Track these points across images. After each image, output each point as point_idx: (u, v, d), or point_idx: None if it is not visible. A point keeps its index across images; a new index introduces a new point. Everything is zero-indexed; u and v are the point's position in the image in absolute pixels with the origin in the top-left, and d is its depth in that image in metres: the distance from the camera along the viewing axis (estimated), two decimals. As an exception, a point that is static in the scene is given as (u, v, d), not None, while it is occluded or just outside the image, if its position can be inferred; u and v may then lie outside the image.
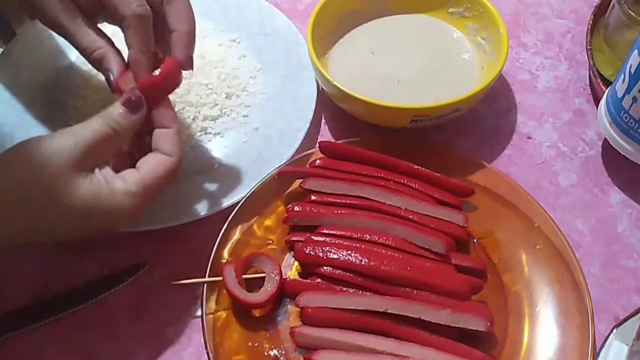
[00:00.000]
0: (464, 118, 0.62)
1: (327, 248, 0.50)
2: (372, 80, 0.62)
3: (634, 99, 0.52)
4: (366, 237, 0.51)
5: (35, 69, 0.65)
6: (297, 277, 0.52)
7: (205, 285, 0.49)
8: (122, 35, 0.48)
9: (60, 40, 0.49)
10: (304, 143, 0.59)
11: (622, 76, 0.54)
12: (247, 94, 0.64)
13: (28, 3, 0.48)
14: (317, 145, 0.57)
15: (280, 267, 0.51)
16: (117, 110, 0.45)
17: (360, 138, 0.58)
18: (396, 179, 0.55)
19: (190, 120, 0.60)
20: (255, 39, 0.68)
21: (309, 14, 0.61)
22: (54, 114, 0.61)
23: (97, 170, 0.45)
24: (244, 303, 0.49)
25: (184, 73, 0.60)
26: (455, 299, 0.49)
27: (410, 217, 0.53)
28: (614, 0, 0.60)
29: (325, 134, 0.64)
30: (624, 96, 0.54)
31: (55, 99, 0.62)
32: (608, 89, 0.58)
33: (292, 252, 0.53)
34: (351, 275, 0.49)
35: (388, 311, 0.47)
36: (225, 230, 0.52)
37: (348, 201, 0.54)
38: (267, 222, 0.55)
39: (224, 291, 0.50)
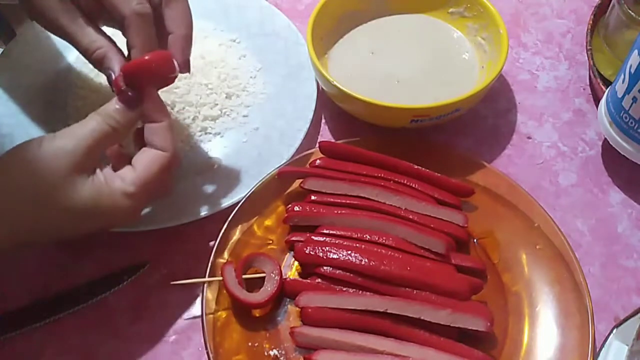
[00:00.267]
0: (464, 118, 0.62)
1: (327, 248, 0.50)
2: (372, 80, 0.62)
3: (634, 99, 0.52)
4: (366, 237, 0.51)
5: (34, 69, 0.65)
6: (297, 277, 0.52)
7: (205, 285, 0.49)
8: (122, 37, 0.48)
9: (60, 40, 0.49)
10: (304, 143, 0.59)
11: (622, 76, 0.54)
12: (247, 94, 0.64)
13: (28, 4, 0.47)
14: (317, 145, 0.57)
15: (280, 267, 0.51)
16: (113, 106, 0.45)
17: (360, 138, 0.58)
18: (396, 179, 0.55)
19: (190, 120, 0.60)
20: (255, 39, 0.68)
21: (309, 14, 0.61)
22: (54, 115, 0.61)
23: (97, 171, 0.45)
24: (244, 303, 0.49)
25: (183, 74, 0.61)
26: (455, 299, 0.49)
27: (410, 217, 0.53)
28: (614, 0, 0.60)
29: (325, 134, 0.64)
30: (624, 96, 0.54)
31: (55, 100, 0.62)
32: (608, 89, 0.58)
33: (292, 252, 0.53)
34: (351, 275, 0.49)
35: (388, 311, 0.47)
36: (225, 230, 0.52)
37: (348, 201, 0.54)
38: (267, 222, 0.55)
39: (224, 291, 0.50)
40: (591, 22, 0.65)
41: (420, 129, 0.61)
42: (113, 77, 0.47)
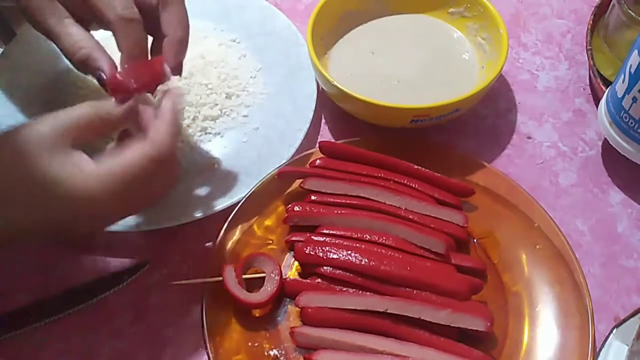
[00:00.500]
0: (464, 118, 0.62)
1: (327, 248, 0.50)
2: (372, 80, 0.62)
3: (634, 99, 0.52)
4: (366, 237, 0.51)
5: (34, 69, 0.65)
6: (297, 277, 0.52)
7: (205, 285, 0.49)
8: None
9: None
10: (304, 143, 0.59)
11: (622, 76, 0.54)
12: (247, 94, 0.64)
13: (21, 4, 0.47)
14: (317, 145, 0.57)
15: (280, 267, 0.51)
16: (106, 102, 0.44)
17: (360, 138, 0.58)
18: (396, 179, 0.55)
19: (190, 120, 0.60)
20: (255, 39, 0.68)
21: (309, 14, 0.62)
22: (54, 114, 0.61)
23: (77, 153, 0.42)
24: (244, 303, 0.49)
25: (183, 73, 0.61)
26: (455, 299, 0.49)
27: (410, 217, 0.53)
28: (614, 0, 0.60)
29: (325, 134, 0.64)
30: (624, 96, 0.54)
31: (55, 100, 0.62)
32: (608, 89, 0.58)
33: (292, 252, 0.53)
34: (351, 275, 0.49)
35: (388, 311, 0.47)
36: (225, 230, 0.52)
37: (348, 201, 0.54)
38: (267, 222, 0.55)
39: (224, 291, 0.49)
40: (591, 22, 0.65)
41: (420, 129, 0.61)
42: (104, 76, 0.46)
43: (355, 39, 0.66)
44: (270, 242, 0.54)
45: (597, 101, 0.65)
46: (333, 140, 0.60)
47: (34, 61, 0.65)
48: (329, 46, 0.65)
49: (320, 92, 0.63)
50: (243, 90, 0.64)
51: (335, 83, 0.57)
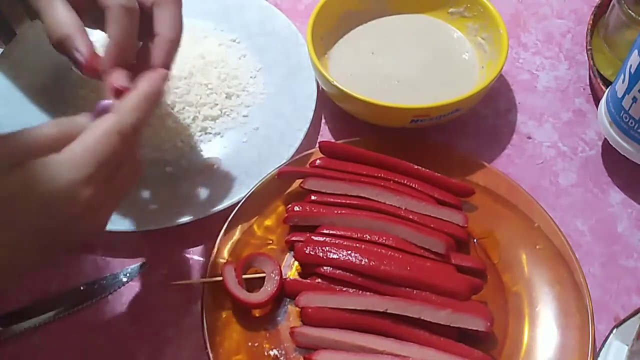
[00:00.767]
0: (464, 118, 0.62)
1: (327, 248, 0.50)
2: (372, 80, 0.62)
3: (634, 99, 0.52)
4: (366, 237, 0.51)
5: (35, 69, 0.65)
6: (297, 277, 0.52)
7: (205, 285, 0.49)
8: None
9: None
10: (304, 143, 0.59)
11: (622, 76, 0.54)
12: (247, 94, 0.64)
13: None
14: (317, 145, 0.57)
15: (280, 267, 0.51)
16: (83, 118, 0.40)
17: (360, 138, 0.58)
18: (396, 179, 0.55)
19: (190, 120, 0.60)
20: (255, 39, 0.68)
21: (309, 14, 0.61)
22: (54, 115, 0.61)
23: (29, 161, 0.37)
24: (244, 303, 0.49)
25: (183, 73, 0.61)
26: (455, 299, 0.49)
27: (410, 217, 0.53)
28: (614, 0, 0.60)
29: (325, 134, 0.64)
30: (624, 96, 0.54)
31: (55, 100, 0.62)
32: (608, 89, 0.58)
33: (292, 252, 0.53)
34: (351, 275, 0.49)
35: (388, 311, 0.47)
36: (225, 230, 0.52)
37: (348, 201, 0.54)
38: (267, 222, 0.55)
39: (224, 291, 0.50)
40: (591, 22, 0.65)
41: (420, 129, 0.61)
42: (80, 58, 0.43)
43: (355, 39, 0.66)
44: (270, 242, 0.54)
45: (597, 101, 0.65)
46: (333, 140, 0.60)
47: (34, 61, 0.65)
48: (329, 46, 0.65)
49: (320, 92, 0.63)
50: (243, 90, 0.64)
51: (335, 83, 0.57)
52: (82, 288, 0.53)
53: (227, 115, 0.62)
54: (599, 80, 0.61)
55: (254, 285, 0.50)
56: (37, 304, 0.52)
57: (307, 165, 0.56)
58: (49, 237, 0.38)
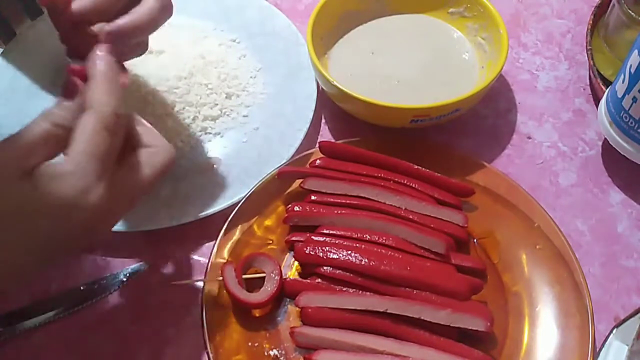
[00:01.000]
0: (464, 118, 0.62)
1: (327, 248, 0.50)
2: (372, 80, 0.62)
3: (634, 99, 0.52)
4: (366, 237, 0.51)
5: (35, 69, 0.65)
6: (297, 277, 0.52)
7: (205, 285, 0.49)
8: None
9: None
10: (304, 143, 0.59)
11: (622, 76, 0.54)
12: (247, 94, 0.64)
13: None
14: (317, 145, 0.57)
15: (280, 267, 0.51)
16: (58, 104, 0.40)
17: (360, 138, 0.58)
18: (396, 179, 0.55)
19: (190, 120, 0.60)
20: (255, 39, 0.68)
21: (309, 14, 0.61)
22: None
23: (34, 171, 0.37)
24: (244, 303, 0.49)
25: (183, 73, 0.61)
26: (455, 299, 0.49)
27: (410, 217, 0.53)
28: (614, 0, 0.60)
29: (325, 134, 0.64)
30: (624, 96, 0.54)
31: (55, 100, 0.62)
32: (608, 89, 0.58)
33: (292, 252, 0.53)
34: (351, 275, 0.49)
35: (388, 311, 0.47)
36: (225, 230, 0.52)
37: (348, 201, 0.54)
38: (267, 222, 0.55)
39: (224, 291, 0.50)
40: (591, 22, 0.65)
41: (420, 129, 0.61)
42: None
43: (355, 39, 0.66)
44: (270, 242, 0.54)
45: (597, 101, 0.65)
46: (333, 140, 0.60)
47: (34, 61, 0.65)
48: (329, 46, 0.65)
49: (320, 92, 0.63)
50: (243, 90, 0.64)
51: (335, 83, 0.57)
52: (82, 288, 0.53)
53: (227, 115, 0.62)
54: (599, 80, 0.61)
55: (254, 285, 0.50)
56: (37, 304, 0.52)
57: (307, 165, 0.56)
58: (61, 242, 0.39)
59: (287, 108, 0.62)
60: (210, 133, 0.61)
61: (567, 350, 0.48)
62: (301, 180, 0.55)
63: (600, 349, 0.49)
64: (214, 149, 0.60)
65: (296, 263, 0.53)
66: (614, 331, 0.50)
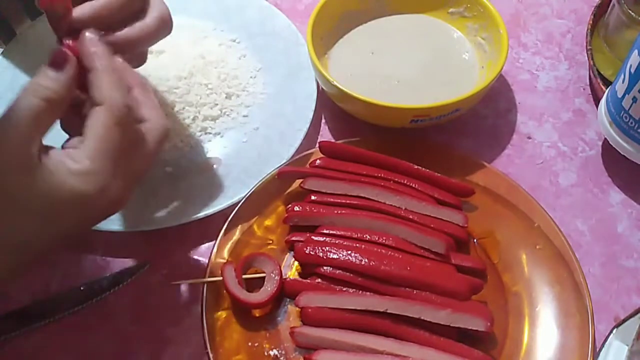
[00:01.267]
0: (464, 118, 0.62)
1: (327, 248, 0.50)
2: (372, 80, 0.62)
3: (634, 99, 0.52)
4: (366, 237, 0.51)
5: (35, 69, 0.64)
6: (297, 277, 0.52)
7: (205, 285, 0.49)
8: None
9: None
10: (304, 143, 0.59)
11: (622, 76, 0.54)
12: (247, 94, 0.64)
13: None
14: (317, 145, 0.57)
15: (280, 267, 0.51)
16: (43, 76, 0.39)
17: (360, 138, 0.58)
18: (396, 179, 0.55)
19: (190, 120, 0.60)
20: (255, 39, 0.68)
21: (309, 14, 0.61)
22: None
23: (43, 159, 0.37)
24: (244, 303, 0.49)
25: (183, 73, 0.61)
26: (455, 299, 0.49)
27: (410, 217, 0.53)
28: (614, 0, 0.60)
29: (325, 134, 0.64)
30: (624, 96, 0.54)
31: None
32: (608, 89, 0.58)
33: (292, 252, 0.53)
34: (351, 275, 0.49)
35: (388, 311, 0.47)
36: (225, 230, 0.52)
37: (348, 201, 0.54)
38: (267, 222, 0.55)
39: (224, 291, 0.50)
40: (591, 22, 0.65)
41: (420, 129, 0.61)
42: None
43: (355, 39, 0.66)
44: (270, 242, 0.54)
45: (597, 101, 0.65)
46: (333, 140, 0.60)
47: (34, 60, 0.65)
48: (329, 46, 0.65)
49: (320, 92, 0.63)
50: (243, 90, 0.64)
51: (335, 83, 0.57)
52: (82, 288, 0.53)
53: (227, 115, 0.62)
54: (599, 80, 0.61)
55: (254, 285, 0.50)
56: (37, 304, 0.52)
57: (307, 165, 0.56)
58: (76, 232, 0.40)
59: (287, 108, 0.62)
60: (210, 133, 0.61)
61: (567, 350, 0.48)
62: (301, 180, 0.55)
63: (600, 349, 0.49)
64: (214, 149, 0.60)
65: (296, 263, 0.53)
66: (614, 331, 0.50)
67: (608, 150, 0.60)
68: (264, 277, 0.50)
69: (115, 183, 0.39)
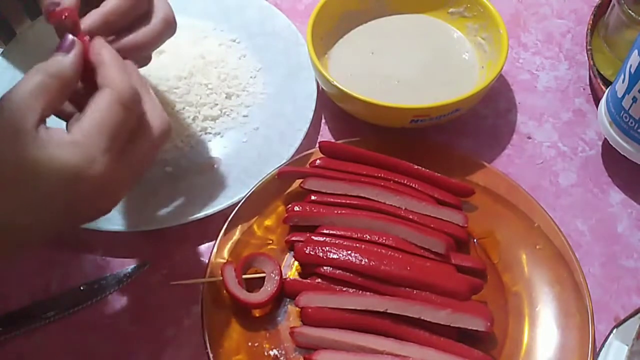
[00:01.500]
0: (464, 118, 0.62)
1: (327, 248, 0.50)
2: (372, 80, 0.62)
3: (634, 99, 0.52)
4: (366, 237, 0.51)
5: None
6: (297, 277, 0.52)
7: (205, 285, 0.49)
8: None
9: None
10: (304, 143, 0.59)
11: (622, 76, 0.54)
12: (247, 94, 0.64)
13: None
14: (317, 145, 0.57)
15: (280, 267, 0.51)
16: (50, 58, 0.40)
17: (360, 138, 0.58)
18: (396, 179, 0.55)
19: (190, 120, 0.60)
20: (255, 39, 0.68)
21: (309, 14, 0.61)
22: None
23: (41, 132, 0.37)
24: (244, 303, 0.49)
25: (183, 73, 0.61)
26: (455, 299, 0.49)
27: (410, 217, 0.53)
28: (614, 0, 0.60)
29: (325, 134, 0.64)
30: (624, 96, 0.54)
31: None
32: (608, 89, 0.58)
33: (292, 252, 0.53)
34: (351, 275, 0.49)
35: (388, 311, 0.47)
36: (225, 230, 0.52)
37: (348, 201, 0.54)
38: (267, 222, 0.55)
39: (224, 291, 0.50)
40: (591, 22, 0.65)
41: (420, 129, 0.61)
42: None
43: (355, 39, 0.66)
44: (270, 242, 0.54)
45: (597, 101, 0.65)
46: (333, 140, 0.60)
47: (34, 60, 0.65)
48: (329, 46, 0.65)
49: (320, 92, 0.63)
50: (243, 90, 0.64)
51: (335, 83, 0.57)
52: (82, 288, 0.53)
53: (227, 115, 0.62)
54: (599, 80, 0.61)
55: (254, 285, 0.50)
56: (37, 304, 0.52)
57: (307, 165, 0.56)
58: (60, 209, 0.39)
59: (287, 108, 0.62)
60: (210, 133, 0.61)
61: (567, 350, 0.48)
62: (301, 180, 0.55)
63: (600, 349, 0.49)
64: (214, 149, 0.60)
65: (296, 263, 0.53)
66: (614, 331, 0.50)
67: (608, 150, 0.60)
68: (264, 277, 0.50)
69: (103, 160, 0.38)
